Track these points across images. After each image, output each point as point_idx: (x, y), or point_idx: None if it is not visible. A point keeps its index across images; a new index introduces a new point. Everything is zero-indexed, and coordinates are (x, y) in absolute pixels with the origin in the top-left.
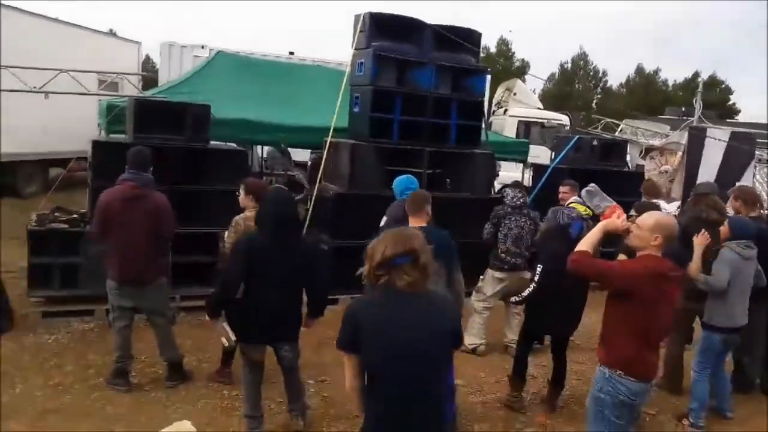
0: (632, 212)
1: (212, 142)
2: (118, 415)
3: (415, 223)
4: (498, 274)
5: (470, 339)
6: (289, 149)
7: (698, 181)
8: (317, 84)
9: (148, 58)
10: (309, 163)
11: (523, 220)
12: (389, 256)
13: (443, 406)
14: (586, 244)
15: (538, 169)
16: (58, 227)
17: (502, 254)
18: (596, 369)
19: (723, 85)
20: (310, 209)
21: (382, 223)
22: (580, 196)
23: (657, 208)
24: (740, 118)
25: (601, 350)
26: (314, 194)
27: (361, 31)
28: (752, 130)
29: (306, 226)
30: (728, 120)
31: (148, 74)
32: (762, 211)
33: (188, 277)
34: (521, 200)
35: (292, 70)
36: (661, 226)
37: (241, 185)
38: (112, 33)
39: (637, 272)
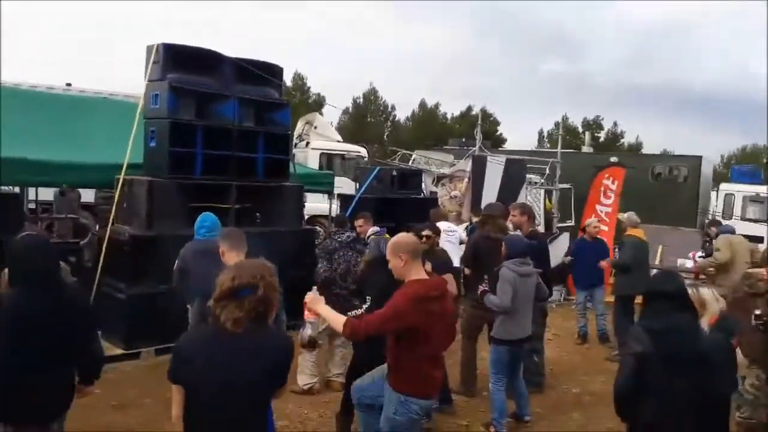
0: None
1: None
2: None
3: (234, 258)
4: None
5: (303, 379)
6: (78, 189)
7: (483, 203)
8: (103, 117)
9: None
10: (97, 204)
11: (350, 253)
12: (225, 290)
13: None
14: (339, 320)
15: (345, 200)
16: None
17: (332, 288)
18: (388, 391)
19: (491, 118)
20: (102, 255)
21: (174, 269)
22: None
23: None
24: (507, 146)
25: (392, 376)
26: (106, 238)
27: (154, 62)
28: (523, 157)
29: (98, 273)
30: (499, 148)
31: None
32: (536, 225)
33: None
34: (351, 237)
35: (73, 102)
36: (397, 245)
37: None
38: None
39: (401, 308)
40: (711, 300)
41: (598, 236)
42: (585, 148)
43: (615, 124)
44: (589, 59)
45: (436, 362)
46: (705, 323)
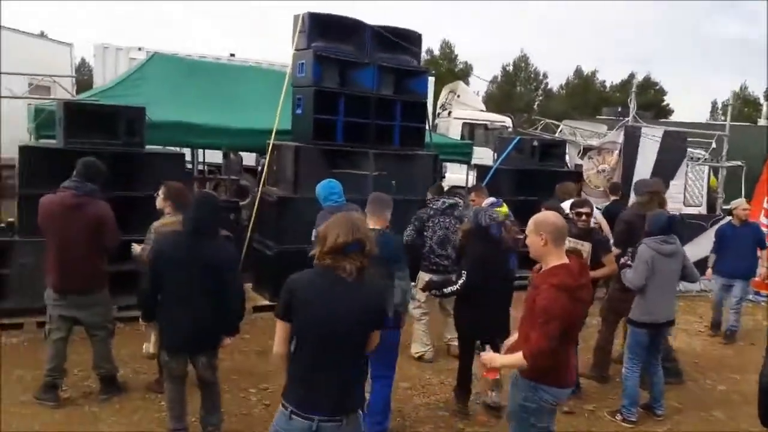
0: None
1: (149, 147)
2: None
3: (374, 224)
4: (428, 277)
5: (416, 347)
6: (240, 153)
7: (635, 179)
8: (259, 85)
9: (83, 62)
10: (259, 167)
11: (448, 220)
12: (340, 244)
13: (355, 383)
14: (518, 358)
15: (481, 170)
16: None
17: (430, 256)
18: (516, 378)
19: (657, 87)
20: (254, 214)
21: (313, 237)
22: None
23: (559, 209)
24: (674, 118)
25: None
26: (257, 199)
27: (300, 32)
28: (685, 129)
29: (249, 231)
30: (662, 120)
31: (80, 76)
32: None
33: (124, 287)
34: (447, 203)
35: (233, 71)
36: (541, 223)
37: (162, 187)
38: (42, 35)
39: (556, 307)
40: None
41: (749, 220)
42: (762, 121)
43: None
44: None
45: (572, 349)
46: None
